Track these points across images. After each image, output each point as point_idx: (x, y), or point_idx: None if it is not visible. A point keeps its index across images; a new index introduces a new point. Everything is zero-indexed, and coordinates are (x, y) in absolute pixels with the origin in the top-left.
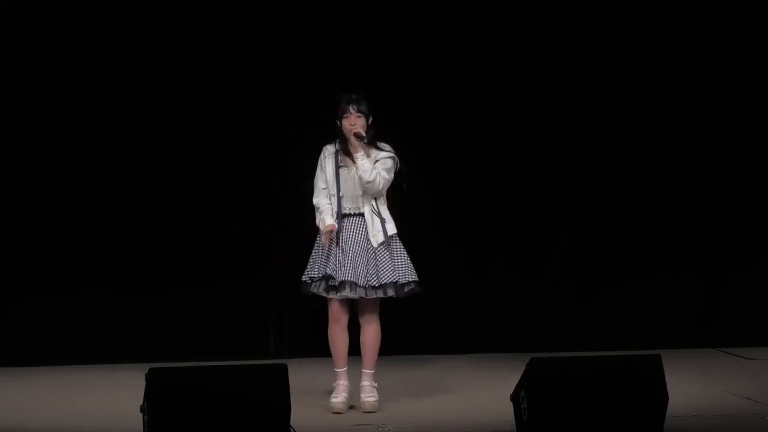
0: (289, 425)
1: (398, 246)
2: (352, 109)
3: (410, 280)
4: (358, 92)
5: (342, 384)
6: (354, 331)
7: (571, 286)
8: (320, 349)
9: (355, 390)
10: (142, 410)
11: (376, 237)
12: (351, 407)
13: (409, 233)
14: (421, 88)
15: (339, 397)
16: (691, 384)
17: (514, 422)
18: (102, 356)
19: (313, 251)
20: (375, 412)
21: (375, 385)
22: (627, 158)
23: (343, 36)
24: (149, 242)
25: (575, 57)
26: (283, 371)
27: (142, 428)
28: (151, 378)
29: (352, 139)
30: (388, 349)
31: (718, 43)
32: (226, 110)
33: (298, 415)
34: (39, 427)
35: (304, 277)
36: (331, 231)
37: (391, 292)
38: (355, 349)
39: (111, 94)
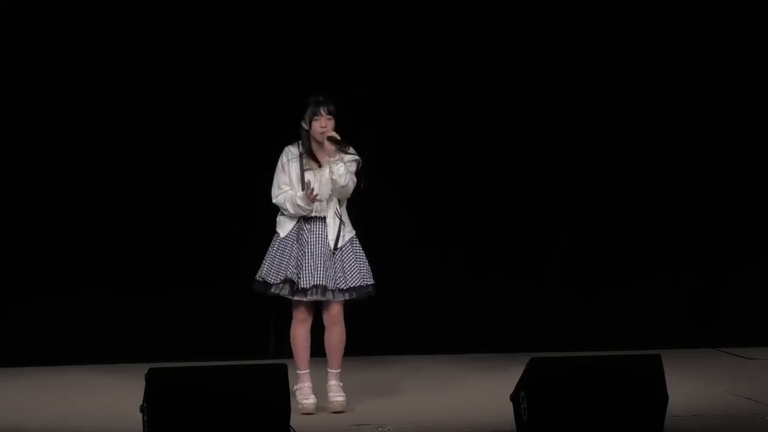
0: (289, 425)
1: (359, 248)
2: (323, 111)
3: (369, 283)
4: (324, 94)
5: (308, 386)
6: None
7: (570, 286)
8: (320, 350)
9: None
10: (142, 410)
11: (335, 241)
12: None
13: (409, 233)
14: (421, 87)
15: (310, 399)
16: (691, 384)
17: (514, 422)
18: (102, 356)
19: (272, 251)
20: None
21: (341, 384)
22: (627, 158)
23: (340, 37)
24: (149, 242)
25: (575, 57)
26: (283, 371)
27: (142, 428)
28: (151, 378)
29: (326, 143)
30: (387, 349)
31: (718, 43)
32: (226, 110)
33: (297, 415)
34: (39, 427)
35: (260, 277)
36: (311, 191)
37: (356, 294)
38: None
39: (112, 95)
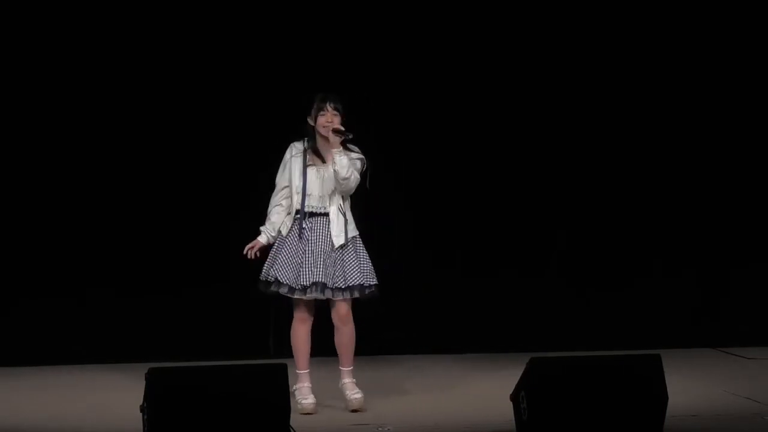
0: (289, 425)
1: (362, 247)
2: (329, 106)
3: (371, 283)
4: (331, 91)
5: (307, 386)
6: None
7: (571, 286)
8: (320, 349)
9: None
10: (142, 410)
11: (339, 238)
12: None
13: (409, 233)
14: (421, 87)
15: (309, 399)
16: (691, 384)
17: (514, 422)
18: (102, 356)
19: (273, 249)
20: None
21: (355, 381)
22: (627, 158)
23: (341, 37)
24: (149, 242)
25: (575, 57)
26: (283, 371)
27: (142, 428)
28: (151, 378)
29: (331, 135)
30: (387, 349)
31: (718, 43)
32: (226, 111)
33: (297, 415)
34: (39, 427)
35: (263, 276)
36: (252, 247)
37: (357, 294)
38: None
39: (113, 95)
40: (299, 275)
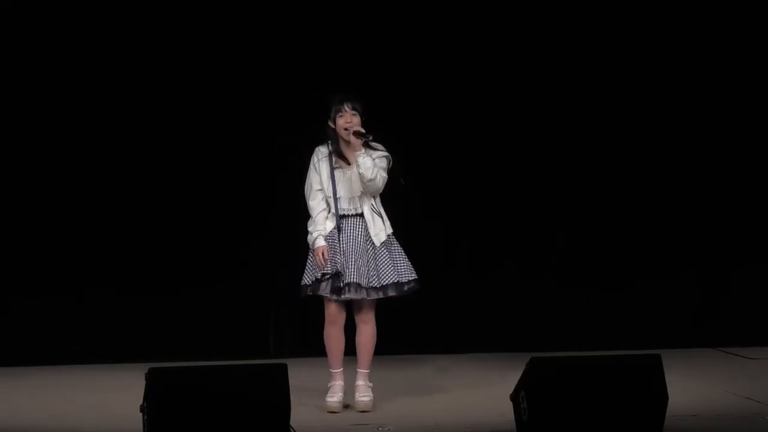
0: (289, 425)
1: (396, 245)
2: (347, 107)
3: (410, 279)
4: (350, 91)
5: (338, 384)
6: (348, 330)
7: (571, 286)
8: (320, 349)
9: (349, 389)
10: (142, 410)
11: (379, 236)
12: (346, 406)
13: (409, 233)
14: (422, 88)
15: (335, 397)
16: (691, 384)
17: (514, 422)
18: (102, 356)
19: (311, 256)
20: (369, 411)
21: (370, 384)
22: (627, 159)
23: (338, 36)
24: (149, 242)
25: (575, 57)
26: (283, 371)
27: (142, 428)
28: (151, 378)
29: (352, 138)
30: (387, 349)
31: (718, 43)
32: (227, 111)
33: (298, 415)
34: (39, 427)
35: (307, 280)
36: (323, 253)
37: (391, 292)
38: (349, 349)
39: (113, 95)
40: (336, 276)
